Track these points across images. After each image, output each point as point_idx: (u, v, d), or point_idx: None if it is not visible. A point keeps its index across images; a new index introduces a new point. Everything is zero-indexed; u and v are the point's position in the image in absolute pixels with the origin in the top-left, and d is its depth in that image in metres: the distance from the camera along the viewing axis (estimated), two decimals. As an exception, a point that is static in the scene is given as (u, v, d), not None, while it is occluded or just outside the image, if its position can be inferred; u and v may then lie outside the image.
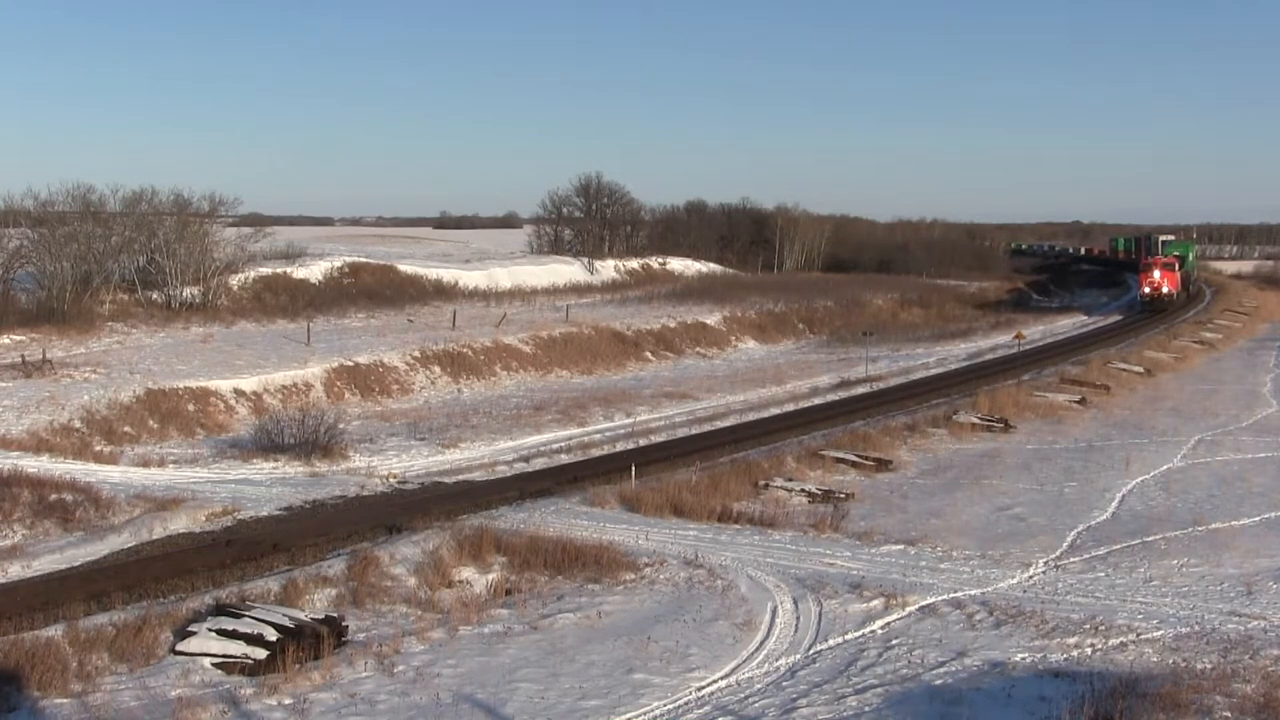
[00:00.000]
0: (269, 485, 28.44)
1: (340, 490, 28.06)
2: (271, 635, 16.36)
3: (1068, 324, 77.90)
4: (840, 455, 30.83)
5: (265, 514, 25.51)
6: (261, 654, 16.08)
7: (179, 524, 24.26)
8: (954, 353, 60.74)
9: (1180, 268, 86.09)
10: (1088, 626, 17.33)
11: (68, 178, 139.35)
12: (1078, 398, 42.02)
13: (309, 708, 14.54)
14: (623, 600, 19.09)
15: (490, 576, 20.29)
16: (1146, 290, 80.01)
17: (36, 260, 51.24)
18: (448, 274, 70.73)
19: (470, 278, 70.80)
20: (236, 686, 15.28)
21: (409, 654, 16.52)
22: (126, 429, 33.97)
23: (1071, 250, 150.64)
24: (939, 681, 15.25)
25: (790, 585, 19.68)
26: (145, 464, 30.17)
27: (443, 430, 36.13)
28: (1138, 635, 16.94)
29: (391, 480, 29.42)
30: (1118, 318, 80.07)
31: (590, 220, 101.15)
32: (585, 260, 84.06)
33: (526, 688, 15.22)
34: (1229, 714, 13.36)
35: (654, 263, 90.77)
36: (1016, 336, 61.40)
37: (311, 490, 27.88)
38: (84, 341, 43.26)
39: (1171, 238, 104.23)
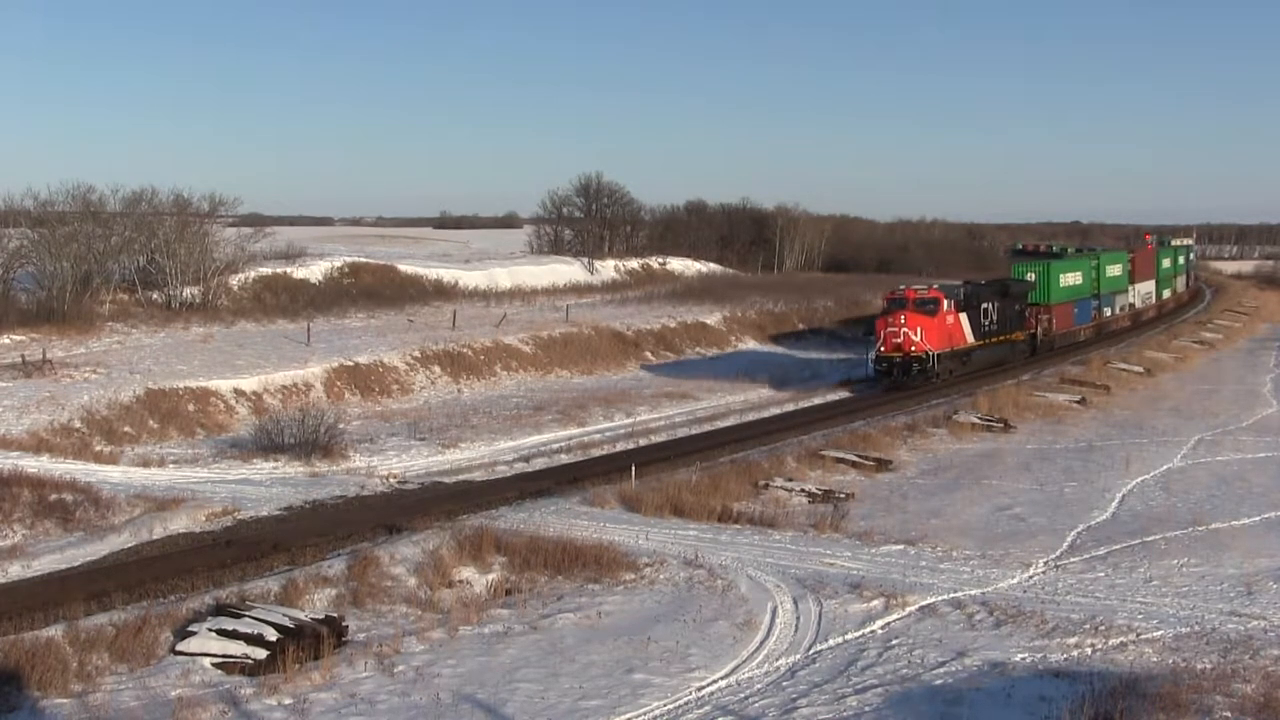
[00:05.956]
0: (269, 485, 28.44)
1: (340, 490, 28.06)
2: (271, 635, 16.37)
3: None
4: (840, 455, 30.83)
5: (265, 514, 25.51)
6: (261, 654, 16.09)
7: (179, 524, 24.27)
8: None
9: (1016, 301, 53.42)
10: (1088, 626, 17.33)
11: (68, 178, 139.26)
12: (1078, 398, 42.04)
13: (309, 708, 14.55)
14: (623, 600, 19.10)
15: (490, 577, 20.30)
16: (882, 349, 46.20)
17: (36, 260, 51.14)
18: (448, 274, 70.69)
19: (470, 278, 70.74)
20: (236, 686, 15.30)
21: (409, 654, 16.53)
22: (126, 429, 33.96)
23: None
24: (939, 681, 15.26)
25: (790, 585, 19.69)
26: (145, 464, 30.17)
27: (443, 430, 36.12)
28: (1138, 635, 16.94)
29: (391, 480, 29.42)
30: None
31: (590, 220, 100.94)
32: (585, 260, 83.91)
33: (526, 688, 15.23)
34: (1229, 714, 13.36)
35: (654, 263, 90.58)
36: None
37: (311, 490, 27.88)
38: (84, 341, 43.20)
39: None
